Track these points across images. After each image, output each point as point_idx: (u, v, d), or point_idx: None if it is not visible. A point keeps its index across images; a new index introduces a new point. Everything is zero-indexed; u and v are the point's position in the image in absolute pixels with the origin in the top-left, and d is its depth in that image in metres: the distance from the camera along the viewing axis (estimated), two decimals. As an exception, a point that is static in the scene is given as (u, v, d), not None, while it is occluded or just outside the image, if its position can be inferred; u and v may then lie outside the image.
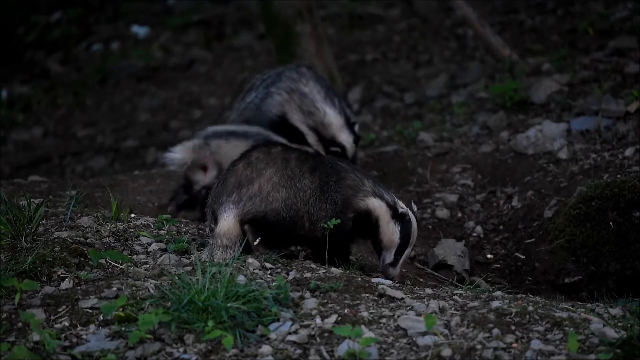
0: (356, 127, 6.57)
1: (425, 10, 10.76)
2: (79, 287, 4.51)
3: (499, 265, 6.15)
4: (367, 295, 4.57)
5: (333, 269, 4.87)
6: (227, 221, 5.01)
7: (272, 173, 5.04)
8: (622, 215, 5.84)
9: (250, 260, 4.89)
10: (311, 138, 6.44)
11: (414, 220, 5.14)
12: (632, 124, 6.78)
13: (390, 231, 5.09)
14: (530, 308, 4.34)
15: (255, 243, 5.00)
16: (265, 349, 4.07)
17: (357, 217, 5.08)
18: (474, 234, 6.45)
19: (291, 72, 6.61)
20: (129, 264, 4.76)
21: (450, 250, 5.93)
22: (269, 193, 5.02)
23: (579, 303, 4.81)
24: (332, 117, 6.45)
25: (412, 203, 5.24)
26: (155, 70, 11.13)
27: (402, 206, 5.13)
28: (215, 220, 5.07)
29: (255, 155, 5.10)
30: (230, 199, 5.03)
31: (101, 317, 4.27)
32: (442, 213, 6.66)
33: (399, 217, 5.09)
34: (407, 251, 5.12)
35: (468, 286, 5.03)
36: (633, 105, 6.90)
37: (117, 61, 11.30)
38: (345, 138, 6.45)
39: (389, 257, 5.11)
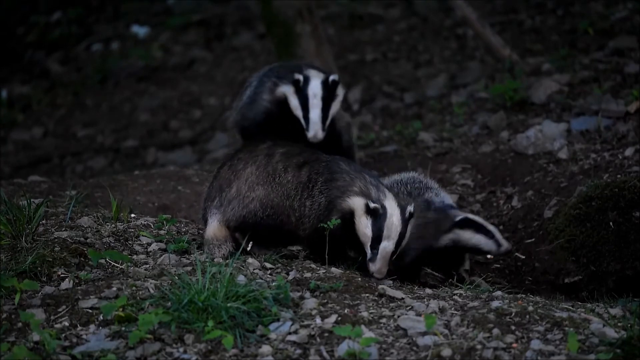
0: (340, 91, 5.85)
1: (425, 10, 10.77)
2: (79, 287, 4.51)
3: (499, 265, 6.15)
4: (367, 295, 4.58)
5: (333, 269, 4.87)
6: (212, 226, 5.07)
7: (250, 172, 5.04)
8: (622, 215, 5.84)
9: (250, 260, 4.89)
10: (288, 89, 6.10)
11: (393, 215, 4.94)
12: (632, 124, 6.78)
13: (363, 225, 4.93)
14: (530, 308, 4.34)
15: (249, 248, 5.01)
16: (265, 349, 4.07)
17: (344, 217, 4.95)
18: (474, 234, 6.44)
19: (285, 62, 6.50)
20: (129, 264, 4.76)
21: (450, 250, 5.93)
22: (246, 194, 5.03)
23: (579, 303, 4.81)
24: (314, 71, 5.85)
25: (412, 203, 5.14)
26: (155, 70, 11.14)
27: (378, 201, 4.94)
28: (205, 224, 5.12)
29: (239, 156, 5.11)
30: (213, 203, 5.08)
31: (101, 317, 4.27)
32: (442, 213, 6.66)
33: (371, 212, 4.92)
34: (384, 244, 4.91)
35: (468, 286, 5.03)
36: (633, 105, 6.90)
37: (117, 61, 11.30)
38: (315, 77, 5.73)
39: (368, 252, 4.96)
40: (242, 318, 4.18)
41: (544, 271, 5.99)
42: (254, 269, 4.79)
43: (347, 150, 6.44)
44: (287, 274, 4.79)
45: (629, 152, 6.47)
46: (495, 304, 4.42)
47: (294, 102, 5.71)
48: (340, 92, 5.81)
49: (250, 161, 5.06)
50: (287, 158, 5.06)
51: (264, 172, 5.03)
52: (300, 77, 5.68)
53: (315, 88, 5.67)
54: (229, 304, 4.18)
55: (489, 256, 6.23)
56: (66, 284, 4.55)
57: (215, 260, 4.85)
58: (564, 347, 4.03)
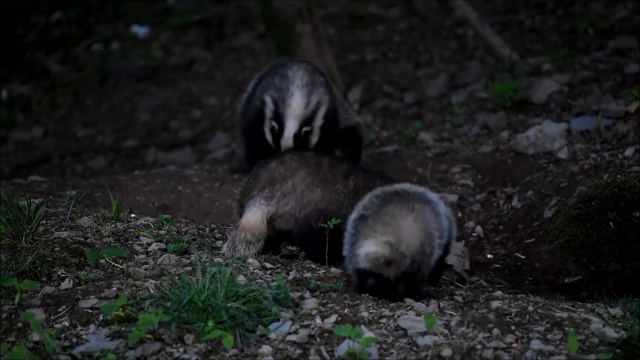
0: (314, 138, 5.96)
1: (425, 10, 10.76)
2: (79, 287, 4.51)
3: (499, 265, 6.15)
4: (367, 295, 4.58)
5: (333, 269, 4.88)
6: (255, 216, 4.97)
7: (305, 174, 5.00)
8: (622, 215, 5.84)
9: (250, 260, 4.89)
10: (268, 109, 6.13)
11: None
12: (632, 124, 6.78)
13: None
14: (530, 308, 4.34)
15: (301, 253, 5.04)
16: (265, 349, 4.07)
17: None
18: (474, 234, 6.44)
19: (290, 61, 6.48)
20: (129, 264, 4.76)
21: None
22: (303, 192, 4.97)
23: (579, 303, 4.81)
24: (295, 103, 5.94)
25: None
26: (155, 70, 11.13)
27: None
28: (241, 214, 5.04)
29: (289, 156, 5.08)
30: (262, 193, 4.99)
31: (101, 317, 4.27)
32: (442, 213, 6.65)
33: None
34: None
35: (468, 286, 5.04)
36: (633, 105, 6.89)
37: (117, 61, 11.29)
38: (289, 126, 5.93)
39: None
40: (242, 318, 4.18)
41: (544, 271, 5.99)
42: (254, 269, 4.79)
43: (356, 150, 6.49)
44: (287, 274, 4.79)
45: (629, 152, 6.47)
46: (495, 304, 4.42)
47: (269, 138, 5.85)
48: (314, 137, 5.91)
49: (303, 164, 5.03)
50: (333, 167, 5.06)
51: (317, 178, 5.01)
52: (275, 126, 5.78)
53: (287, 141, 5.80)
54: (229, 304, 4.18)
55: (489, 256, 6.23)
56: (66, 284, 4.55)
57: (241, 254, 4.85)
58: (564, 347, 4.03)
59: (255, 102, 6.12)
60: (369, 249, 4.55)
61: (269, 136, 5.93)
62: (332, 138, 6.10)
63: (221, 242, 5.31)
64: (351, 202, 4.98)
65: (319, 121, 5.91)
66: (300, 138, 5.80)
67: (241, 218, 5.01)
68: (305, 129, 5.82)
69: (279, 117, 5.86)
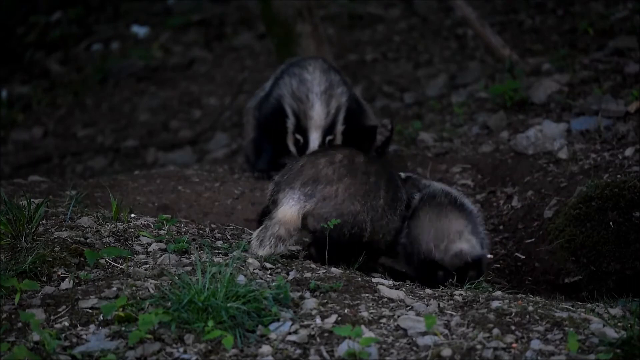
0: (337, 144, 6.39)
1: (425, 10, 10.76)
2: (79, 287, 4.51)
3: (499, 265, 6.15)
4: (367, 295, 4.58)
5: (333, 269, 4.88)
6: (292, 210, 4.92)
7: (350, 183, 4.97)
8: (622, 215, 5.84)
9: (250, 260, 4.89)
10: (290, 123, 6.32)
11: None
12: (632, 124, 6.78)
13: None
14: (530, 308, 4.34)
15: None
16: (265, 349, 4.07)
17: None
18: (474, 234, 6.43)
19: (305, 60, 6.56)
20: (129, 264, 4.76)
21: (450, 250, 5.92)
22: (344, 202, 4.94)
23: (579, 303, 4.81)
24: (316, 114, 6.29)
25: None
26: (155, 70, 11.13)
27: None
28: (275, 201, 5.01)
29: (340, 158, 5.03)
30: (303, 189, 4.94)
31: (101, 317, 4.27)
32: (442, 213, 6.64)
33: None
34: None
35: (468, 286, 5.04)
36: (633, 105, 6.89)
37: (117, 61, 11.29)
38: (313, 138, 6.28)
39: None
40: (242, 318, 4.18)
41: (544, 271, 5.99)
42: (254, 269, 4.79)
43: (384, 146, 6.70)
44: (287, 274, 4.79)
45: (629, 152, 6.47)
46: (495, 304, 4.42)
47: (293, 150, 6.20)
48: (337, 142, 6.29)
49: (351, 172, 4.98)
50: (379, 178, 5.05)
51: (360, 190, 4.98)
52: (300, 139, 5.95)
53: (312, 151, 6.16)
54: (229, 304, 4.18)
55: (489, 256, 6.23)
56: (66, 284, 4.55)
57: (261, 254, 4.86)
58: (564, 347, 4.03)
59: (271, 100, 6.31)
60: (461, 246, 5.07)
61: (293, 148, 6.14)
62: (357, 130, 6.33)
63: (221, 242, 5.31)
64: (388, 217, 5.08)
65: (339, 127, 6.18)
66: (325, 146, 6.18)
67: (277, 209, 4.96)
68: (328, 137, 6.08)
69: (302, 130, 6.06)
